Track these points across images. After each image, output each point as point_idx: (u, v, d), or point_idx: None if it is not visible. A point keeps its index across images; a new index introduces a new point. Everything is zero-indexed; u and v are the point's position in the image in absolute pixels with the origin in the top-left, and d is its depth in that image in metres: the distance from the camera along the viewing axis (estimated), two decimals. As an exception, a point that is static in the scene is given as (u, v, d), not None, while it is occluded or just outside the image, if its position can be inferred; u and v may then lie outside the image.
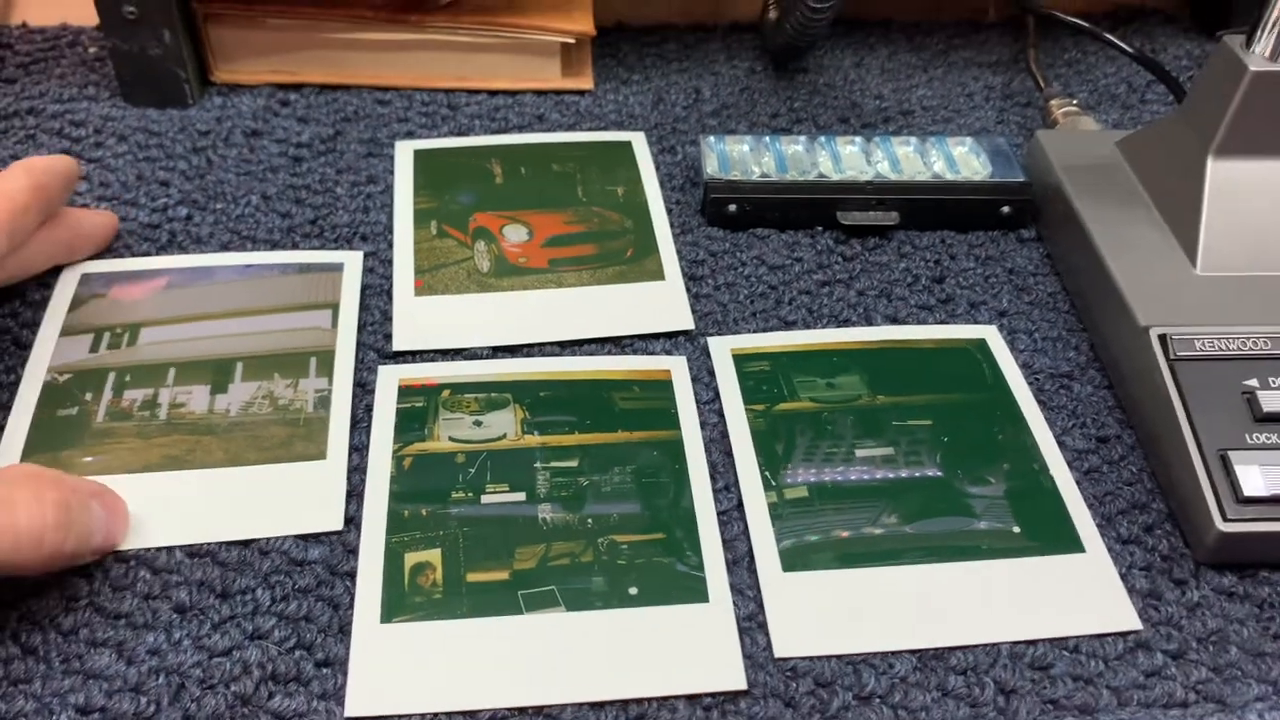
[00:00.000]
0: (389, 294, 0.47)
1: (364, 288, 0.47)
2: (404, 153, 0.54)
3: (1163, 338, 0.42)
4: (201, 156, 0.54)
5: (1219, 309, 0.43)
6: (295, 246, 0.49)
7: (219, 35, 0.56)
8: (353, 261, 0.47)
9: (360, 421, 0.42)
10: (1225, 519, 0.38)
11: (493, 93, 0.59)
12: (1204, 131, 0.46)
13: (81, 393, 0.41)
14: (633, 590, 0.37)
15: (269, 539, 0.38)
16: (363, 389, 0.43)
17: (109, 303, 0.45)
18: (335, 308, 0.45)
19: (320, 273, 0.47)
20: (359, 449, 0.41)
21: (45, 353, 0.43)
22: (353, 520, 0.39)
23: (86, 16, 0.61)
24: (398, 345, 0.45)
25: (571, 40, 0.58)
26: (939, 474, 0.41)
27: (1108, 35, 0.59)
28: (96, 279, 0.46)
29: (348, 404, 0.42)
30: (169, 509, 0.38)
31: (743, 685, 0.35)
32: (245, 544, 0.38)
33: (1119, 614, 0.37)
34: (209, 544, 0.38)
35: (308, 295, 0.46)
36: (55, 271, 0.46)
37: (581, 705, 0.34)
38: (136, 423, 0.41)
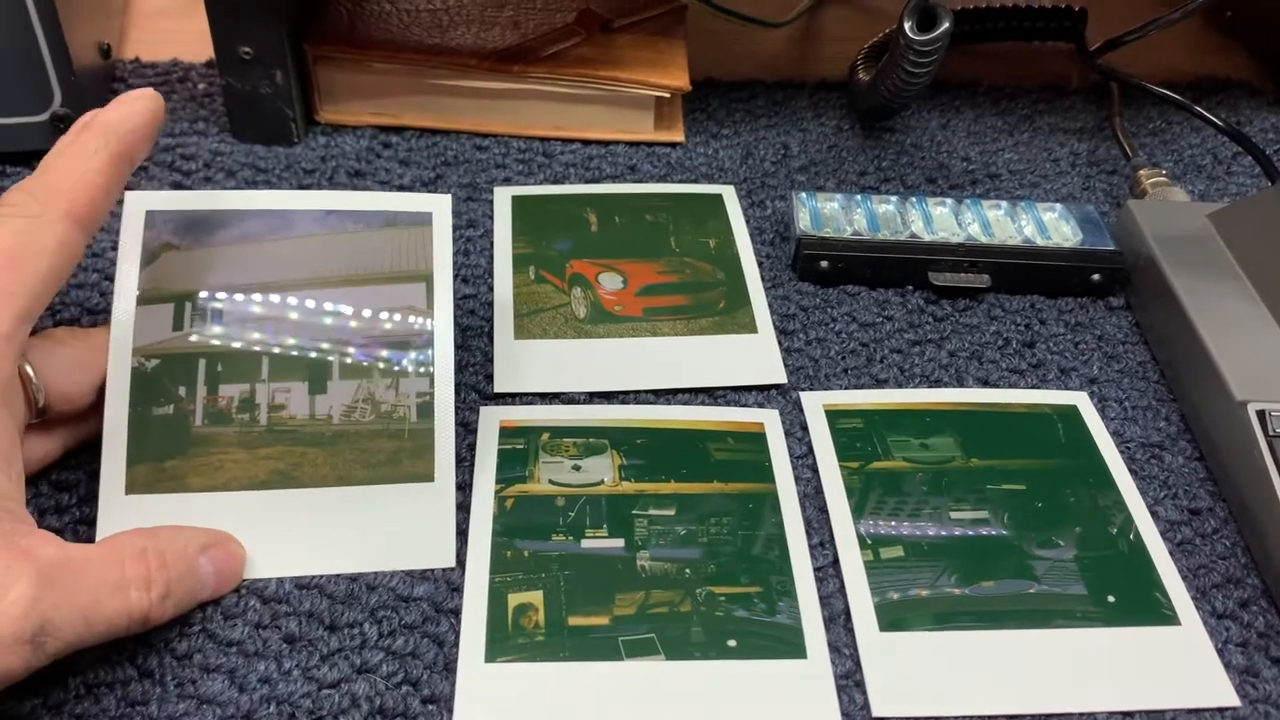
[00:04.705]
0: (489, 335, 0.48)
1: (464, 329, 0.48)
2: (503, 198, 0.55)
3: (1261, 414, 0.42)
4: (306, 194, 0.55)
5: (1317, 387, 0.44)
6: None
7: (327, 77, 0.58)
8: (441, 210, 0.44)
9: (463, 460, 0.43)
10: (1327, 599, 0.38)
11: (586, 142, 0.60)
12: (1302, 209, 0.46)
13: (174, 385, 0.40)
14: (731, 643, 0.37)
15: (377, 573, 0.39)
16: (465, 429, 0.44)
17: (183, 257, 0.41)
18: (429, 281, 0.43)
19: (408, 226, 0.43)
20: (462, 487, 0.42)
21: (126, 327, 0.40)
22: (457, 557, 0.39)
23: (196, 53, 0.63)
24: (499, 387, 0.46)
25: (667, 95, 0.59)
26: (1034, 539, 0.41)
27: (1197, 108, 0.59)
28: (163, 220, 0.41)
29: (450, 411, 0.41)
30: (280, 535, 0.39)
31: (842, 743, 0.35)
32: (353, 577, 0.39)
33: (1216, 689, 0.37)
34: (319, 576, 0.39)
35: (397, 260, 0.43)
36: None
37: (683, 755, 0.35)
38: (238, 428, 0.40)
